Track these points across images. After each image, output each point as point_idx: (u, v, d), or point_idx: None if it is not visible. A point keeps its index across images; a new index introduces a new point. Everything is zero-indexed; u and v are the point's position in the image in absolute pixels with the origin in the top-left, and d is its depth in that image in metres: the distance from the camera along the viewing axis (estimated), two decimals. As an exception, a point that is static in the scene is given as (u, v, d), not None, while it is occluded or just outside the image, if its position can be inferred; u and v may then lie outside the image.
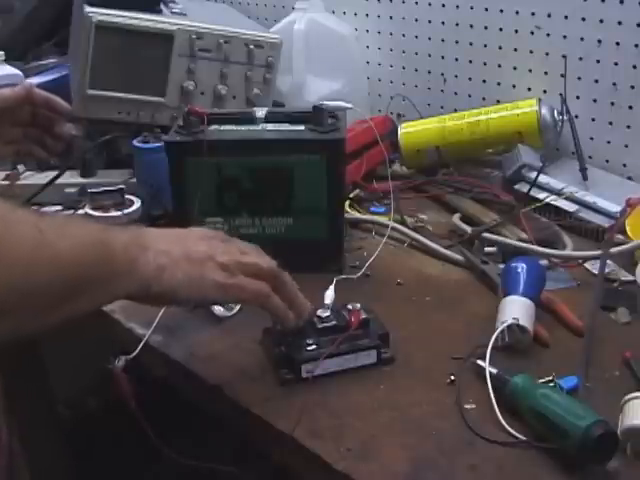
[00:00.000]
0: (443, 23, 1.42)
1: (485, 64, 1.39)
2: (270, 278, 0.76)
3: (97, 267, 0.64)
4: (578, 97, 1.27)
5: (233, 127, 1.01)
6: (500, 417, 0.73)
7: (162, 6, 1.37)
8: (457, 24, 1.40)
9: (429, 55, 1.47)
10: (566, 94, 1.25)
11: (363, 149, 1.27)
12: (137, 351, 0.84)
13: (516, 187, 1.22)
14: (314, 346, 0.80)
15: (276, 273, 0.76)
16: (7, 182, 1.22)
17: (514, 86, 1.36)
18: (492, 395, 0.75)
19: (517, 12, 1.31)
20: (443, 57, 1.45)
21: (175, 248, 0.71)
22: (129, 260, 0.67)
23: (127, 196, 1.15)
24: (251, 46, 1.31)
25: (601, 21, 1.20)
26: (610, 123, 1.25)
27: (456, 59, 1.43)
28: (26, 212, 0.61)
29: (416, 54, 1.48)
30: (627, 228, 1.02)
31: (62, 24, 1.46)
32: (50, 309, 0.60)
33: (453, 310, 0.94)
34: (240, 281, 0.73)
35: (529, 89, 1.33)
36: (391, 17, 1.50)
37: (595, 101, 1.26)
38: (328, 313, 0.83)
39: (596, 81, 1.24)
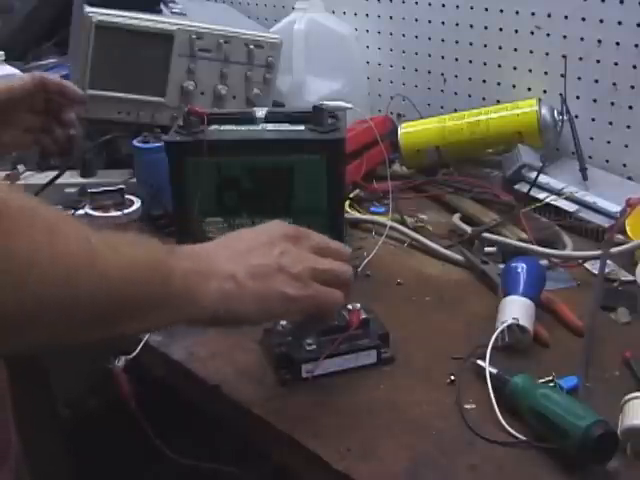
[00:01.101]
0: (443, 23, 1.42)
1: (485, 64, 1.39)
2: (345, 286, 0.72)
3: (149, 290, 0.60)
4: (578, 97, 1.27)
5: (233, 127, 1.01)
6: (500, 417, 0.73)
7: (162, 6, 1.37)
8: (457, 24, 1.40)
9: (429, 55, 1.47)
10: (566, 94, 1.25)
11: (363, 149, 1.27)
12: (137, 351, 0.84)
13: (516, 187, 1.22)
14: (314, 346, 0.80)
15: (350, 281, 0.73)
16: (7, 182, 1.22)
17: (514, 86, 1.36)
18: (492, 395, 0.75)
19: (517, 12, 1.31)
20: (443, 57, 1.45)
21: (240, 268, 0.66)
22: (188, 289, 0.62)
23: (127, 196, 1.15)
24: (251, 46, 1.31)
25: (601, 21, 1.20)
26: (610, 123, 1.25)
27: (456, 59, 1.43)
28: (79, 223, 0.57)
29: (416, 54, 1.49)
30: (627, 228, 1.02)
31: (62, 24, 1.46)
32: (90, 325, 0.56)
33: (453, 310, 0.94)
34: (313, 292, 0.69)
35: (529, 89, 1.33)
36: (391, 17, 1.50)
37: (595, 101, 1.26)
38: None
39: (596, 81, 1.24)
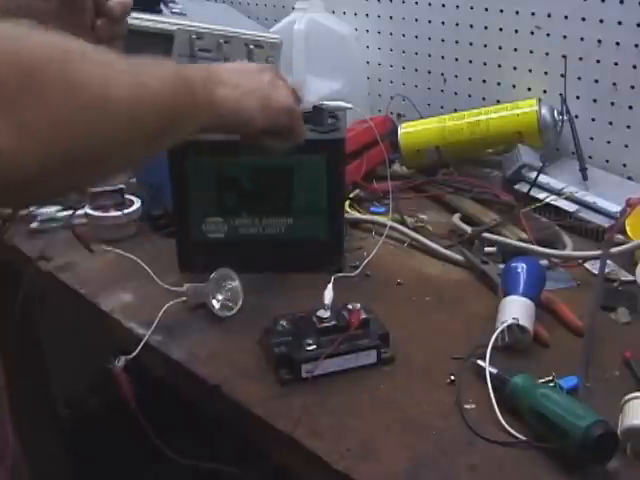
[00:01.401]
0: (443, 23, 1.42)
1: (485, 64, 1.39)
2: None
3: (184, 101, 0.66)
4: (578, 97, 1.27)
5: (233, 127, 1.01)
6: (500, 417, 0.73)
7: (162, 6, 1.37)
8: (457, 24, 1.40)
9: (429, 55, 1.47)
10: (566, 94, 1.25)
11: (363, 149, 1.27)
12: (137, 351, 0.84)
13: (516, 187, 1.22)
14: (314, 346, 0.80)
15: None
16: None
17: (514, 86, 1.36)
18: (492, 395, 0.75)
19: (517, 12, 1.31)
20: (443, 57, 1.45)
21: (245, 81, 0.77)
22: (209, 94, 0.71)
23: (127, 196, 1.15)
24: (251, 46, 1.31)
25: (601, 21, 1.21)
26: (610, 123, 1.25)
27: (456, 59, 1.43)
28: (111, 54, 0.61)
29: (416, 54, 1.49)
30: (627, 228, 1.02)
31: (62, 24, 1.46)
32: (147, 142, 0.62)
33: (453, 310, 0.94)
34: (299, 111, 0.84)
35: (529, 89, 1.34)
36: (391, 17, 1.50)
37: (595, 101, 1.26)
38: (328, 313, 0.83)
39: (596, 81, 1.24)
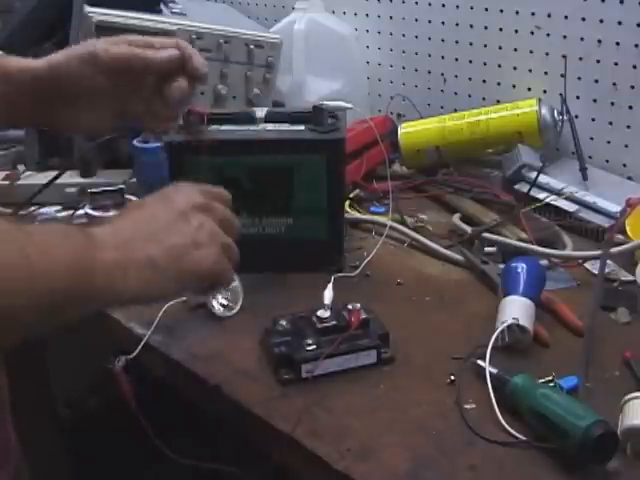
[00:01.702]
0: (443, 23, 1.42)
1: (485, 64, 1.39)
2: (236, 262, 0.75)
3: (76, 290, 0.62)
4: (578, 97, 1.27)
5: (233, 127, 1.01)
6: (500, 417, 0.73)
7: (162, 6, 1.37)
8: (457, 24, 1.40)
9: (429, 55, 1.47)
10: (566, 94, 1.25)
11: (363, 149, 1.27)
12: (137, 351, 0.84)
13: (516, 187, 1.22)
14: (314, 346, 0.80)
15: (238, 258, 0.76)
16: (7, 182, 1.22)
17: (514, 86, 1.36)
18: (492, 395, 0.75)
19: (517, 12, 1.31)
20: (443, 57, 1.45)
21: (159, 251, 0.67)
22: (110, 283, 0.64)
23: (127, 196, 1.15)
24: (251, 46, 1.31)
25: (601, 21, 1.20)
26: (610, 123, 1.25)
27: (456, 59, 1.43)
28: (13, 229, 0.58)
29: (416, 54, 1.49)
30: (627, 228, 1.02)
31: (62, 24, 1.46)
32: (31, 322, 0.59)
33: (453, 310, 0.94)
34: (226, 266, 0.72)
35: (529, 89, 1.33)
36: (391, 17, 1.50)
37: (595, 101, 1.26)
38: (328, 313, 0.83)
39: (596, 81, 1.24)
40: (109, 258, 0.64)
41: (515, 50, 1.34)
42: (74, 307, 0.63)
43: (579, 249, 1.05)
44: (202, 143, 0.96)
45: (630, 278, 0.97)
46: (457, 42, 1.41)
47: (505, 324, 0.83)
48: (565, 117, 1.25)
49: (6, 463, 0.75)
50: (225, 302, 0.92)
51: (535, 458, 0.69)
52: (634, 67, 1.19)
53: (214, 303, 0.91)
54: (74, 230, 0.64)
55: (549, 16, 1.27)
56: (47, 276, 0.59)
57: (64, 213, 1.15)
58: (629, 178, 1.24)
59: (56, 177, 1.18)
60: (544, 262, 1.01)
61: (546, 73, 1.31)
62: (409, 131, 1.35)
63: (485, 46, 1.37)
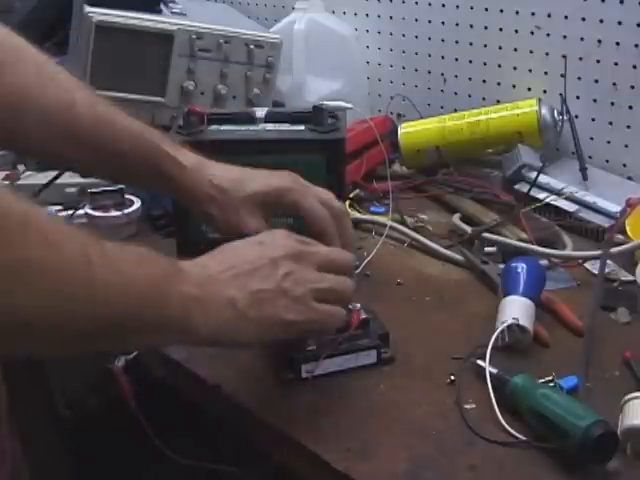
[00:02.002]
0: (443, 23, 1.42)
1: (485, 64, 1.39)
2: (345, 301, 0.73)
3: (144, 313, 0.59)
4: (578, 97, 1.27)
5: (233, 127, 1.01)
6: (500, 417, 0.73)
7: (162, 6, 1.37)
8: (457, 24, 1.40)
9: (429, 55, 1.47)
10: (566, 94, 1.25)
11: (363, 149, 1.27)
12: (137, 351, 0.84)
13: (516, 187, 1.22)
14: (314, 346, 0.80)
15: (351, 296, 0.74)
16: (7, 182, 1.22)
17: (514, 86, 1.36)
18: (492, 395, 0.75)
19: (517, 12, 1.31)
20: (443, 57, 1.45)
21: (242, 294, 0.66)
22: (185, 316, 0.62)
23: (127, 196, 1.15)
24: (251, 46, 1.31)
25: (601, 21, 1.20)
26: (610, 123, 1.25)
27: (456, 59, 1.43)
28: (81, 235, 0.55)
29: (416, 54, 1.49)
30: (627, 228, 1.02)
31: (62, 24, 1.46)
32: (84, 340, 0.56)
33: (453, 310, 0.94)
34: (314, 315, 0.69)
35: (529, 89, 1.33)
36: (391, 17, 1.50)
37: (595, 101, 1.26)
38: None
39: (596, 81, 1.24)
40: (188, 291, 0.63)
41: (515, 50, 1.34)
42: (140, 332, 0.60)
43: (579, 249, 1.05)
44: (202, 143, 0.96)
45: (630, 278, 0.97)
46: (457, 42, 1.41)
47: (505, 324, 0.83)
48: (565, 117, 1.25)
49: (3, 464, 0.75)
50: None
51: (535, 458, 0.69)
52: (634, 67, 1.19)
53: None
54: (160, 257, 0.62)
55: (549, 16, 1.27)
56: (111, 289, 0.56)
57: (64, 213, 1.15)
58: (629, 178, 1.24)
59: (56, 177, 1.17)
60: (544, 262, 1.01)
61: (546, 73, 1.31)
62: (409, 131, 1.35)
63: (485, 46, 1.37)
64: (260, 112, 1.03)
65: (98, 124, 0.78)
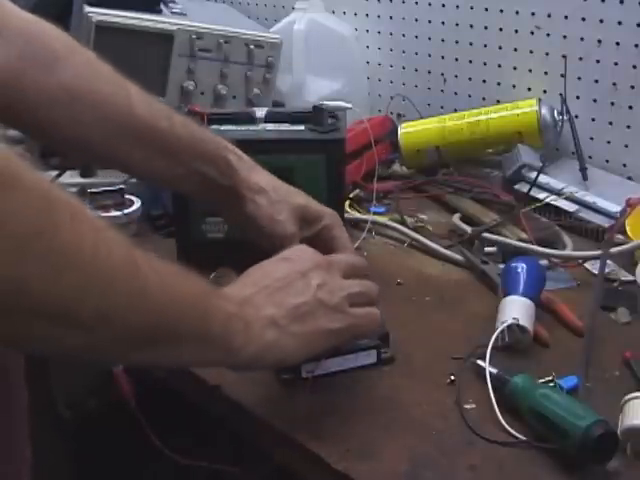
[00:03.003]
0: (443, 23, 1.42)
1: (485, 64, 1.39)
2: (375, 301, 0.74)
3: (187, 321, 0.58)
4: (578, 97, 1.27)
5: (233, 127, 1.01)
6: (500, 417, 0.73)
7: (162, 6, 1.37)
8: (457, 24, 1.40)
9: (429, 55, 1.47)
10: (566, 94, 1.25)
11: (363, 149, 1.27)
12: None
13: (516, 187, 1.22)
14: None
15: (377, 294, 0.75)
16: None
17: (514, 86, 1.36)
18: (492, 395, 0.75)
19: (517, 12, 1.31)
20: (443, 57, 1.45)
21: (281, 311, 0.66)
22: (228, 333, 0.61)
23: (127, 196, 1.15)
24: (251, 46, 1.31)
25: (601, 21, 1.20)
26: (610, 123, 1.25)
27: (456, 59, 1.43)
28: (119, 232, 0.54)
29: (416, 54, 1.49)
30: (627, 228, 1.02)
31: (62, 24, 1.46)
32: (125, 342, 0.54)
33: (453, 310, 0.94)
34: (354, 320, 0.71)
35: (529, 89, 1.33)
36: (391, 17, 1.50)
37: (595, 101, 1.26)
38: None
39: (596, 81, 1.24)
40: (230, 309, 0.62)
41: (515, 50, 1.34)
42: (177, 344, 0.58)
43: (579, 249, 1.05)
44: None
45: (630, 278, 0.96)
46: (457, 42, 1.41)
47: (505, 324, 0.83)
48: (565, 117, 1.25)
49: (22, 465, 0.74)
50: None
51: (535, 458, 0.69)
52: (634, 67, 1.19)
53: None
54: (196, 275, 0.61)
55: (549, 16, 1.27)
56: (156, 294, 0.55)
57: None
58: (629, 178, 1.24)
59: (56, 177, 1.17)
60: (544, 262, 1.01)
61: (546, 73, 1.31)
62: (409, 131, 1.35)
63: (485, 46, 1.37)
64: (260, 112, 1.03)
65: (155, 118, 0.79)
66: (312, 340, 0.68)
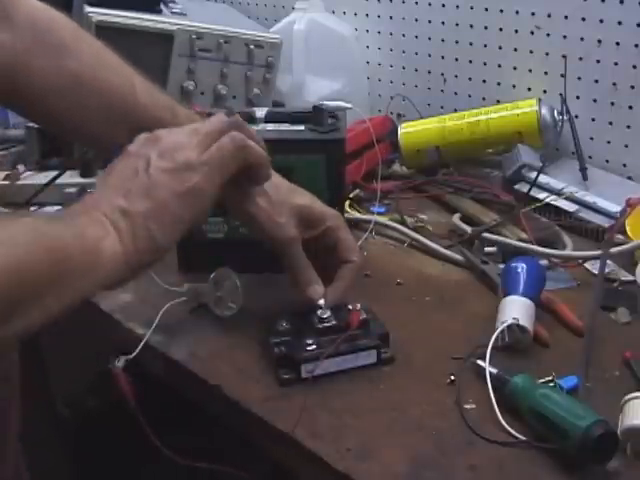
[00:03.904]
0: (443, 23, 1.42)
1: (485, 64, 1.39)
2: (235, 127, 0.72)
3: (52, 275, 0.58)
4: (578, 97, 1.27)
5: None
6: (500, 417, 0.73)
7: (162, 6, 1.37)
8: (457, 24, 1.40)
9: (429, 55, 1.47)
10: (566, 94, 1.25)
11: (363, 149, 1.27)
12: (137, 351, 0.84)
13: (516, 187, 1.22)
14: (314, 346, 0.80)
15: (238, 122, 0.73)
16: (7, 182, 1.22)
17: (514, 86, 1.36)
18: (492, 395, 0.75)
19: (517, 12, 1.31)
20: (443, 57, 1.45)
21: (126, 198, 0.65)
22: (91, 253, 0.61)
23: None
24: (251, 46, 1.31)
25: (601, 21, 1.20)
26: (610, 123, 1.25)
27: (456, 59, 1.43)
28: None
29: (416, 54, 1.49)
30: (627, 228, 1.02)
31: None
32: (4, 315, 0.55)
33: (453, 310, 0.94)
34: (216, 153, 0.69)
35: (529, 89, 1.34)
36: (391, 17, 1.50)
37: (595, 101, 1.26)
38: (328, 313, 0.83)
39: (596, 81, 1.24)
40: (78, 224, 0.62)
41: (515, 50, 1.34)
42: (52, 294, 0.58)
43: (579, 249, 1.05)
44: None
45: (630, 278, 0.97)
46: (457, 42, 1.41)
47: (505, 324, 0.83)
48: (565, 117, 1.25)
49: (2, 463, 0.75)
50: (225, 302, 0.92)
51: (535, 458, 0.69)
52: (634, 67, 1.19)
53: (214, 303, 0.91)
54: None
55: (549, 16, 1.27)
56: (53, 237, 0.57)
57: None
58: (629, 178, 1.24)
59: (56, 177, 1.18)
60: (544, 262, 1.01)
61: (546, 73, 1.31)
62: (409, 131, 1.35)
63: (485, 46, 1.37)
64: (260, 112, 1.03)
65: (158, 109, 0.80)
66: (166, 209, 0.66)
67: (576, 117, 1.26)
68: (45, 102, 0.75)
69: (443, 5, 1.41)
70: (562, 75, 1.25)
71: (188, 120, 0.81)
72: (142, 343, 0.86)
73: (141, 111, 0.79)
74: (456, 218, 1.15)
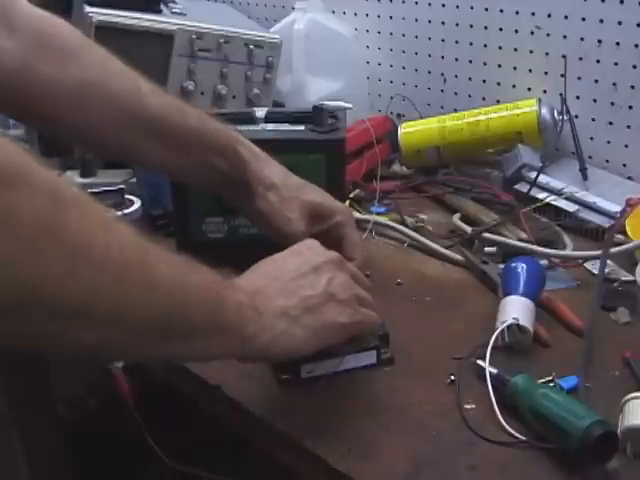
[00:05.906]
0: (443, 23, 1.42)
1: (485, 64, 1.39)
2: (374, 310, 0.76)
3: (200, 311, 0.58)
4: (578, 97, 1.27)
5: (233, 127, 1.01)
6: (500, 417, 0.73)
7: (162, 6, 1.37)
8: (457, 24, 1.40)
9: (429, 55, 1.47)
10: (566, 94, 1.25)
11: (363, 149, 1.27)
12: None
13: (516, 187, 1.22)
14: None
15: (373, 304, 0.77)
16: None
17: (514, 86, 1.36)
18: (492, 395, 0.75)
19: (517, 12, 1.31)
20: (443, 57, 1.45)
21: (292, 302, 0.67)
22: (241, 322, 0.62)
23: (127, 196, 1.15)
24: (251, 46, 1.31)
25: (601, 21, 1.20)
26: (610, 123, 1.25)
27: (456, 59, 1.43)
28: (132, 227, 0.54)
29: (416, 54, 1.49)
30: (627, 228, 1.02)
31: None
32: (138, 335, 0.54)
33: (453, 310, 0.94)
34: (361, 317, 0.72)
35: (529, 89, 1.33)
36: (391, 17, 1.50)
37: (595, 101, 1.26)
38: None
39: (596, 81, 1.24)
40: (241, 298, 0.63)
41: (515, 50, 1.34)
42: (190, 334, 0.58)
43: (579, 249, 1.05)
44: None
45: (630, 278, 0.96)
46: (457, 42, 1.41)
47: (505, 324, 0.83)
48: (565, 117, 1.25)
49: None
50: None
51: (535, 458, 0.69)
52: (634, 67, 1.19)
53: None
54: (207, 268, 0.61)
55: (549, 16, 1.27)
56: (167, 283, 0.55)
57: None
58: (629, 178, 1.24)
59: (56, 177, 1.17)
60: (544, 262, 1.01)
61: (546, 73, 1.31)
62: (409, 131, 1.35)
63: (485, 46, 1.37)
64: (260, 112, 1.03)
65: (165, 111, 0.80)
66: (321, 332, 0.69)
67: (576, 117, 1.26)
68: (48, 109, 0.75)
69: (443, 5, 1.41)
70: (562, 75, 1.25)
71: (199, 119, 0.82)
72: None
73: (148, 113, 0.79)
74: (456, 218, 1.15)
